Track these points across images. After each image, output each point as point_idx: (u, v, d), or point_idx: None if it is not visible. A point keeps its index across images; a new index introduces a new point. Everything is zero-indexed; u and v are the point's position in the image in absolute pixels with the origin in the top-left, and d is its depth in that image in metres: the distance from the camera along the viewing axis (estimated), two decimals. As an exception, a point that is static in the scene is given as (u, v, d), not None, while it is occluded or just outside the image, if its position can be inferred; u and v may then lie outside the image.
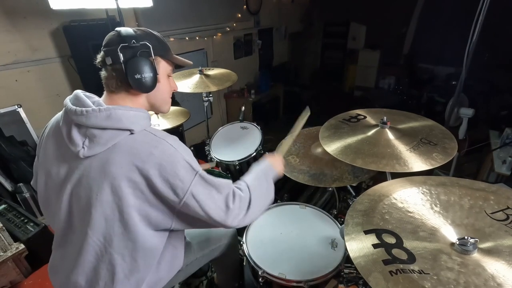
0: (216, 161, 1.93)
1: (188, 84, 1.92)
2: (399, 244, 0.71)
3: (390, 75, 5.28)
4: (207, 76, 2.01)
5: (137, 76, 0.81)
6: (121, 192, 0.75)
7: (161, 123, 1.94)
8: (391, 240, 0.72)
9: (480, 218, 0.76)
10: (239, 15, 4.09)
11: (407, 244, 0.71)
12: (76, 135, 0.78)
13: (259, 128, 2.08)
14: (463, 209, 0.79)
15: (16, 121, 2.16)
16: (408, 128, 1.29)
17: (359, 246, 0.72)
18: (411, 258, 0.67)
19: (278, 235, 1.29)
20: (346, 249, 0.99)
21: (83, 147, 0.77)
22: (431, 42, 4.81)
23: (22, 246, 1.60)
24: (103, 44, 0.85)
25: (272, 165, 1.09)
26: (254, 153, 1.90)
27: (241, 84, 4.44)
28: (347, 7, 5.28)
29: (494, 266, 0.63)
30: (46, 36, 2.26)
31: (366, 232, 0.75)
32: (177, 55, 0.94)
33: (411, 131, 1.26)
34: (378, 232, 0.74)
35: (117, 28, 0.85)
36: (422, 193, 0.85)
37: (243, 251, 1.23)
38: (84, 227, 0.79)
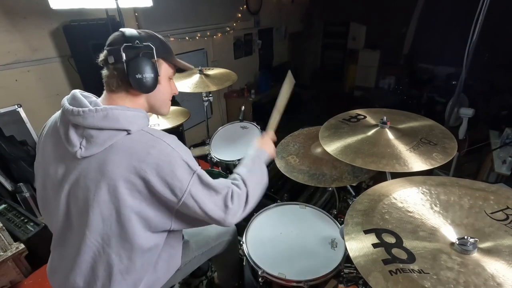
0: (216, 160, 1.93)
1: (188, 84, 1.92)
2: (399, 243, 0.71)
3: (390, 75, 5.28)
4: (207, 76, 2.01)
5: (138, 76, 0.81)
6: (118, 192, 0.75)
7: (161, 123, 1.94)
8: (391, 239, 0.72)
9: (480, 218, 0.76)
10: (239, 15, 4.10)
11: (407, 243, 0.71)
12: (73, 135, 0.78)
13: (259, 127, 2.08)
14: (463, 209, 0.79)
15: (16, 121, 2.16)
16: (408, 128, 1.29)
17: (359, 245, 0.72)
18: (411, 257, 0.67)
19: (278, 235, 1.29)
20: (346, 249, 1.00)
21: (80, 148, 0.77)
22: (431, 42, 4.81)
23: (22, 245, 1.60)
24: (106, 43, 0.85)
25: (264, 148, 1.12)
26: (254, 153, 1.89)
27: (241, 84, 4.44)
28: (347, 7, 5.29)
29: (493, 266, 0.63)
30: (46, 36, 2.26)
31: (366, 231, 0.75)
32: (177, 55, 0.95)
33: (411, 131, 1.26)
34: (378, 232, 0.74)
35: (122, 29, 0.85)
36: (422, 193, 0.85)
37: (243, 251, 1.23)
38: (82, 228, 0.79)
